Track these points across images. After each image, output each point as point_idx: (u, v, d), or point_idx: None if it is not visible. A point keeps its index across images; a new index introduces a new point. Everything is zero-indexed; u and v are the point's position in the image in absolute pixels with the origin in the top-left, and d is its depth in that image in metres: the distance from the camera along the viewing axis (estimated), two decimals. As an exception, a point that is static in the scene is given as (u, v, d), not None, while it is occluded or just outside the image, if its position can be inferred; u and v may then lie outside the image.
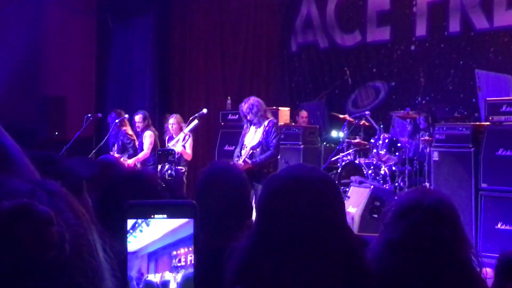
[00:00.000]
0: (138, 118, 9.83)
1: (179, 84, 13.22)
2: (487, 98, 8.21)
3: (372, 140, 9.24)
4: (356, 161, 9.17)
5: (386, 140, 9.04)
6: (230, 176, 2.49)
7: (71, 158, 2.42)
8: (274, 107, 9.90)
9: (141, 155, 9.51)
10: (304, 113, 11.18)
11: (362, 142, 9.62)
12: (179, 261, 1.17)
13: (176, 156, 8.39)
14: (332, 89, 11.31)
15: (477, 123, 8.28)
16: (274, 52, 12.72)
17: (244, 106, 7.66)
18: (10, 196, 0.86)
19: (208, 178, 2.47)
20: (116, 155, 9.48)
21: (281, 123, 9.67)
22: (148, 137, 9.54)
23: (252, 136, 7.63)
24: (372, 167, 8.94)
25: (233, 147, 8.74)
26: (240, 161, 7.50)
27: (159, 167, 7.89)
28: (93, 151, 9.33)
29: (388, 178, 8.75)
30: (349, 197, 8.27)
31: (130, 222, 1.17)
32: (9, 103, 11.48)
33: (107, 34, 13.85)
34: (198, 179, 2.52)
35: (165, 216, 1.17)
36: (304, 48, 12.46)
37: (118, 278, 1.03)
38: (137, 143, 9.80)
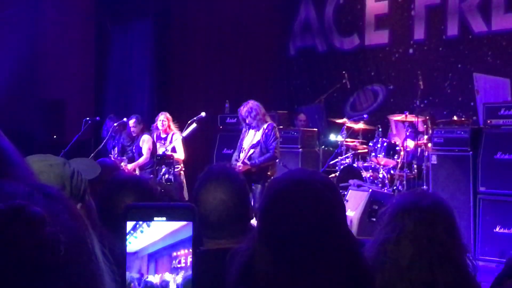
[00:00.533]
0: (132, 122, 9.84)
1: (178, 87, 13.22)
2: (485, 102, 8.23)
3: (370, 144, 9.24)
4: (355, 165, 9.17)
5: (385, 144, 9.05)
6: (228, 178, 2.49)
7: (75, 160, 2.43)
8: (273, 111, 9.90)
9: (141, 160, 9.47)
10: (302, 117, 11.18)
11: (361, 145, 9.63)
12: (179, 262, 1.17)
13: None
14: (330, 93, 11.31)
15: (476, 126, 8.29)
16: (273, 55, 12.73)
17: (243, 110, 7.67)
18: (7, 198, 0.86)
19: (206, 181, 2.47)
20: (116, 158, 9.47)
21: (279, 126, 9.68)
22: (147, 142, 9.52)
23: (251, 140, 7.65)
24: (370, 170, 8.95)
25: (232, 150, 8.74)
26: (239, 163, 7.51)
27: (157, 171, 7.90)
28: (92, 154, 9.31)
29: (386, 182, 8.75)
30: (347, 201, 8.26)
31: (129, 224, 1.18)
32: (8, 106, 11.49)
33: (106, 38, 13.86)
34: (196, 183, 2.52)
35: (164, 218, 1.18)
36: (302, 51, 12.48)
37: (118, 281, 1.04)
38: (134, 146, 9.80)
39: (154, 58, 13.26)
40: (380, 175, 8.83)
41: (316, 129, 10.73)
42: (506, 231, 7.27)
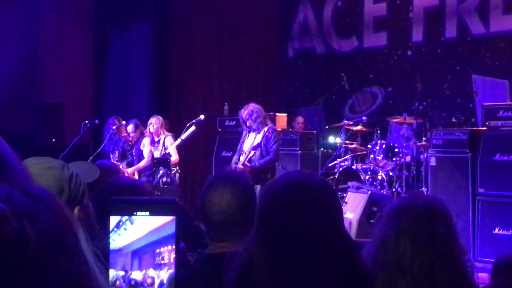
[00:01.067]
0: (130, 128, 9.87)
1: (176, 90, 13.22)
2: (484, 103, 8.22)
3: (369, 146, 9.25)
4: (354, 167, 9.17)
5: (383, 146, 9.05)
6: (236, 181, 2.48)
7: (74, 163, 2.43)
8: (272, 113, 9.90)
9: (141, 164, 9.45)
10: (300, 119, 11.18)
11: (360, 147, 9.63)
12: (162, 258, 1.19)
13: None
14: (329, 95, 11.32)
15: (474, 128, 8.29)
16: (271, 58, 12.73)
17: (244, 113, 7.68)
18: None
19: (214, 183, 2.47)
20: (116, 162, 9.47)
21: (278, 129, 9.68)
22: (147, 145, 9.50)
23: (251, 142, 7.65)
24: (369, 172, 8.95)
25: (231, 153, 8.74)
26: (239, 165, 7.51)
27: (154, 174, 7.90)
28: (91, 157, 9.30)
29: (385, 184, 8.75)
30: (346, 203, 8.27)
31: (113, 219, 1.18)
32: (7, 110, 11.48)
33: (104, 41, 13.86)
34: (204, 184, 2.52)
35: (147, 213, 1.18)
36: (301, 54, 12.49)
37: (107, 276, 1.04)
38: (134, 149, 9.80)
39: (153, 61, 13.26)
40: (379, 177, 8.83)
41: (315, 131, 10.73)
42: (505, 232, 7.27)
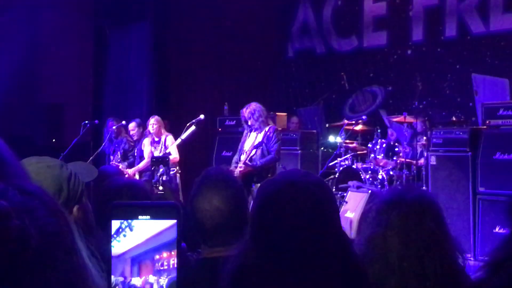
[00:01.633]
0: (132, 126, 9.88)
1: (176, 90, 13.22)
2: (484, 102, 8.22)
3: (369, 145, 9.25)
4: (354, 166, 9.16)
5: (384, 145, 9.05)
6: (225, 184, 2.45)
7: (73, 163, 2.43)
8: (272, 113, 9.90)
9: (141, 165, 9.46)
10: (295, 119, 11.18)
11: (360, 147, 9.63)
12: (162, 265, 1.19)
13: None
14: (329, 94, 11.32)
15: (474, 127, 8.28)
16: (271, 58, 12.74)
17: (246, 111, 7.69)
18: None
19: (202, 187, 2.44)
20: (117, 163, 9.47)
21: (278, 128, 9.68)
22: (147, 146, 9.50)
23: (252, 142, 7.65)
24: (369, 171, 8.94)
25: (231, 153, 8.75)
26: (240, 164, 7.51)
27: (153, 172, 7.89)
28: (91, 157, 9.31)
29: (385, 183, 8.75)
30: (347, 202, 8.27)
31: (114, 224, 1.18)
32: (7, 110, 11.49)
33: (104, 41, 13.86)
34: (192, 187, 2.49)
35: (148, 217, 1.18)
36: (300, 53, 12.49)
37: (105, 278, 1.04)
38: (136, 150, 9.80)
39: (153, 61, 13.26)
40: (379, 176, 8.83)
41: (315, 131, 10.73)
42: (505, 231, 7.25)
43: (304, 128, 11.11)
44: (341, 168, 9.24)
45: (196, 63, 12.99)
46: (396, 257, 2.04)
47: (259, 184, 7.32)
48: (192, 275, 2.27)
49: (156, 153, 9.04)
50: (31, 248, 0.87)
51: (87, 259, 0.95)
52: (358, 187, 8.53)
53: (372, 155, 9.06)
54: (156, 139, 9.24)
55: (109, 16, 13.57)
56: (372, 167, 8.97)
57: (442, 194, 7.73)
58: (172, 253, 1.19)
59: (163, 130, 9.27)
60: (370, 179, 8.86)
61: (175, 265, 1.19)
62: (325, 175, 9.39)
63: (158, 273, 1.18)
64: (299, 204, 1.58)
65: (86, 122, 9.85)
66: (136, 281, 1.18)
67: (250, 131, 7.77)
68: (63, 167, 2.20)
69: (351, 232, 7.64)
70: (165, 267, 1.19)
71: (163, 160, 8.00)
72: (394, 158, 8.89)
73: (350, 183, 8.70)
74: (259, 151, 7.54)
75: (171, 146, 8.90)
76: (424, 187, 8.06)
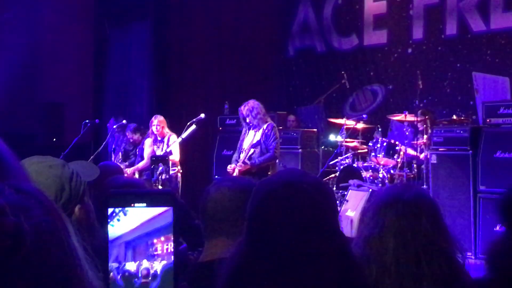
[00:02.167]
0: (129, 134, 9.92)
1: (177, 89, 13.22)
2: (485, 101, 8.22)
3: (370, 144, 9.24)
4: (354, 165, 9.17)
5: (384, 144, 9.05)
6: (239, 181, 2.51)
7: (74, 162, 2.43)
8: (272, 112, 9.90)
9: (141, 164, 9.46)
10: (292, 117, 11.18)
11: (360, 145, 9.62)
12: (156, 250, 1.20)
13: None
14: (329, 93, 11.31)
15: (475, 125, 8.28)
16: (272, 56, 12.74)
17: (244, 109, 7.69)
18: None
19: (217, 183, 2.50)
20: (118, 163, 9.47)
21: (279, 127, 9.68)
22: (148, 147, 9.48)
23: (251, 140, 7.65)
24: (370, 170, 8.95)
25: (231, 151, 8.73)
26: (239, 163, 7.51)
27: (153, 170, 7.90)
28: (91, 157, 9.32)
29: (386, 182, 8.75)
30: (347, 201, 8.27)
31: (109, 211, 1.20)
32: (8, 110, 11.50)
33: (105, 40, 13.87)
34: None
35: (144, 204, 1.20)
36: (301, 52, 12.49)
37: (101, 276, 1.05)
38: (137, 149, 9.81)
39: (153, 60, 13.27)
40: (380, 175, 8.83)
41: (315, 130, 10.73)
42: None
43: (303, 126, 11.10)
44: (341, 167, 9.24)
45: (197, 61, 13.00)
46: (392, 258, 2.03)
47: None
48: (191, 280, 2.27)
49: (158, 152, 9.03)
50: (25, 246, 0.87)
51: (83, 259, 0.96)
52: (358, 186, 8.53)
53: (373, 154, 9.06)
54: (159, 138, 9.24)
55: (109, 15, 13.58)
56: (372, 166, 8.98)
57: (442, 192, 7.74)
58: (166, 238, 1.19)
59: (166, 130, 9.25)
60: (371, 177, 8.86)
61: (169, 250, 1.19)
62: (326, 174, 9.39)
63: (152, 258, 1.19)
64: (294, 205, 1.57)
65: (87, 121, 9.85)
66: (130, 265, 1.19)
67: (249, 129, 7.77)
68: (64, 167, 2.20)
69: (351, 231, 7.64)
70: (159, 252, 1.19)
71: (163, 159, 8.00)
72: (395, 156, 8.89)
73: (351, 182, 8.70)
74: (257, 150, 7.54)
75: (172, 145, 8.89)
76: (424, 186, 8.06)
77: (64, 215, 0.98)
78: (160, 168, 7.76)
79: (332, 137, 10.43)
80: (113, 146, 10.04)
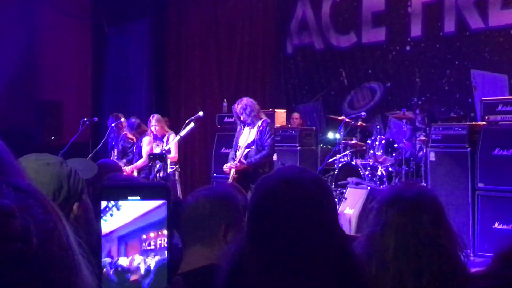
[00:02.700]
0: (128, 134, 9.91)
1: (175, 87, 13.22)
2: (483, 98, 8.22)
3: (368, 141, 9.24)
4: (353, 162, 9.16)
5: (383, 141, 9.05)
6: (216, 188, 2.56)
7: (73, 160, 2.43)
8: (271, 109, 9.90)
9: (139, 163, 9.44)
10: (296, 115, 11.17)
11: (359, 143, 9.62)
12: (149, 244, 1.19)
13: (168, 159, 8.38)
14: (328, 91, 11.31)
15: (473, 123, 8.28)
16: (270, 54, 12.73)
17: (237, 107, 7.64)
18: None
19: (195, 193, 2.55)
20: (116, 160, 9.46)
21: (277, 125, 9.67)
22: (146, 144, 9.46)
23: (246, 137, 7.62)
24: (369, 168, 8.94)
25: (230, 149, 8.73)
26: (236, 162, 7.49)
27: (150, 168, 7.89)
28: (90, 155, 9.31)
29: (385, 179, 8.75)
30: (346, 199, 8.27)
31: (103, 204, 1.19)
32: (6, 108, 11.48)
33: (103, 39, 13.86)
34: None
35: (138, 198, 1.19)
36: (299, 50, 12.48)
37: (96, 274, 1.05)
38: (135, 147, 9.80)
39: (151, 58, 13.27)
40: (379, 173, 8.83)
41: (314, 127, 10.72)
42: (504, 227, 7.27)
43: (304, 124, 11.10)
44: (340, 165, 9.24)
45: (195, 60, 12.99)
46: (391, 255, 2.04)
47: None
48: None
49: (157, 150, 9.02)
50: (32, 247, 0.87)
51: (79, 255, 0.96)
52: (357, 184, 8.53)
53: (371, 151, 9.06)
54: (159, 136, 9.23)
55: (108, 14, 13.57)
56: (371, 164, 8.97)
57: (441, 190, 7.73)
58: (160, 233, 1.19)
59: (165, 129, 9.23)
60: (369, 175, 8.86)
61: (162, 245, 1.19)
62: (324, 171, 9.39)
63: (145, 253, 1.18)
64: (294, 201, 1.57)
65: (85, 119, 9.85)
66: (123, 260, 1.18)
67: (244, 127, 7.74)
68: (62, 164, 2.20)
69: (350, 228, 7.64)
70: (152, 247, 1.18)
71: (160, 156, 7.99)
72: (393, 154, 8.89)
73: (349, 179, 8.70)
74: (253, 148, 7.51)
75: (170, 143, 8.89)
76: (423, 183, 8.07)
77: (60, 212, 0.98)
78: (158, 166, 7.74)
79: (330, 135, 10.43)
80: (112, 145, 10.04)
